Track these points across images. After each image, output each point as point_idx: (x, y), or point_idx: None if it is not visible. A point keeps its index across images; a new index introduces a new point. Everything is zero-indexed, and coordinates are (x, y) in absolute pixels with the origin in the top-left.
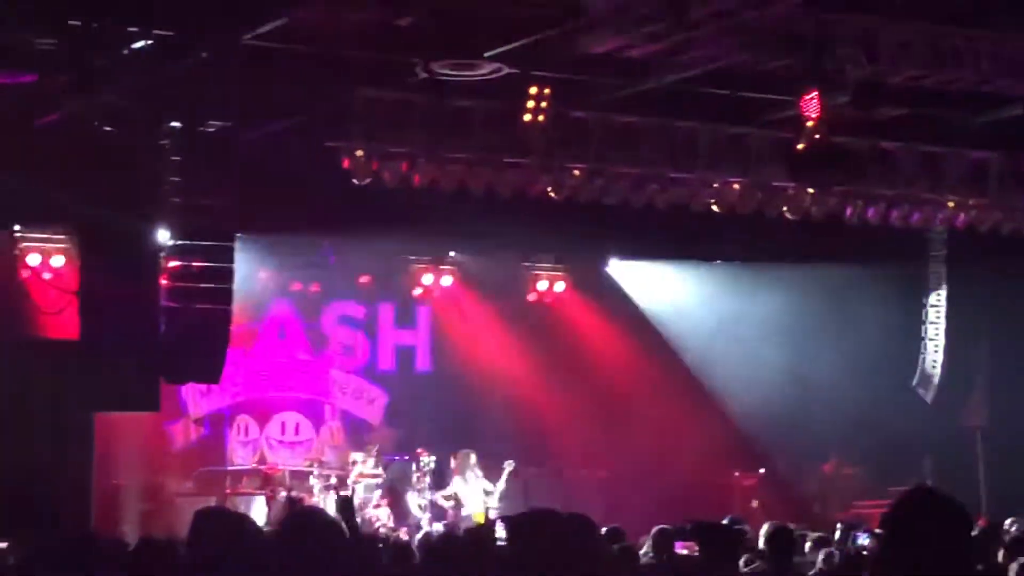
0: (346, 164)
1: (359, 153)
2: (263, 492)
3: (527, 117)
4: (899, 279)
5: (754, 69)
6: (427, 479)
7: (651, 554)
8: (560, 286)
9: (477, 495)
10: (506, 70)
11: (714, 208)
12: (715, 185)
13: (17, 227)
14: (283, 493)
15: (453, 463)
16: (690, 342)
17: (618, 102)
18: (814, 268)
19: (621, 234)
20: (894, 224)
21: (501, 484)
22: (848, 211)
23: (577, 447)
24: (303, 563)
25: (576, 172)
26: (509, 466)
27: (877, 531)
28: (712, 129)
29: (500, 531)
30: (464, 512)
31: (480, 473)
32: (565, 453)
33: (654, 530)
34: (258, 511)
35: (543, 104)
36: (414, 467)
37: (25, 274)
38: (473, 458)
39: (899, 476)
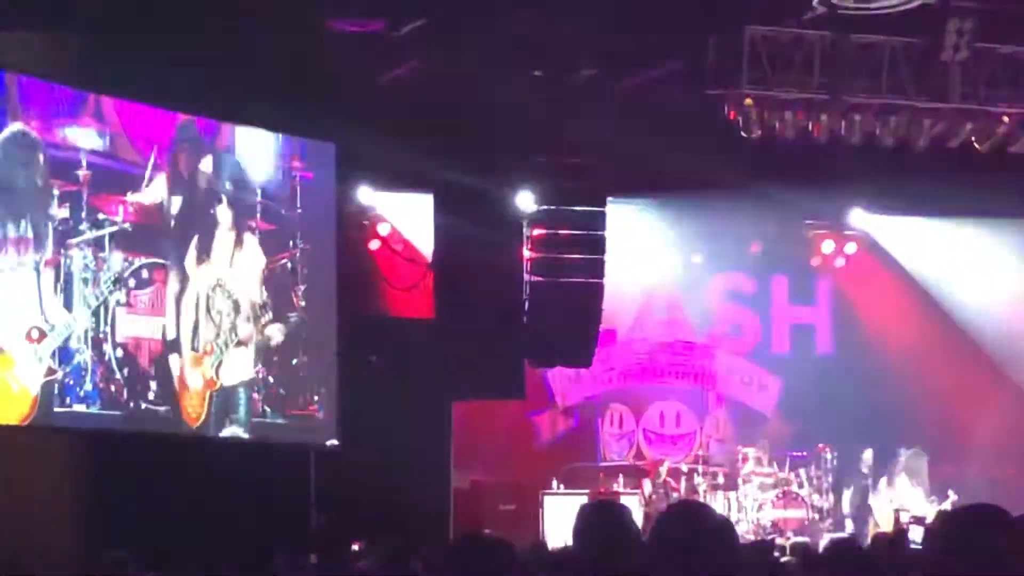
0: (732, 115)
1: (748, 101)
2: (639, 491)
3: (946, 54)
4: None
5: None
6: (830, 478)
7: None
8: None
9: (912, 502)
10: None
11: None
12: None
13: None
14: (664, 494)
15: (901, 459)
16: None
17: None
18: None
19: None
20: None
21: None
22: None
23: (1010, 445)
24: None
25: (1006, 118)
26: None
27: None
28: None
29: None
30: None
31: (926, 482)
32: (992, 452)
33: None
34: (634, 511)
35: (965, 38)
36: (815, 465)
37: (374, 246)
38: (924, 462)
39: None
